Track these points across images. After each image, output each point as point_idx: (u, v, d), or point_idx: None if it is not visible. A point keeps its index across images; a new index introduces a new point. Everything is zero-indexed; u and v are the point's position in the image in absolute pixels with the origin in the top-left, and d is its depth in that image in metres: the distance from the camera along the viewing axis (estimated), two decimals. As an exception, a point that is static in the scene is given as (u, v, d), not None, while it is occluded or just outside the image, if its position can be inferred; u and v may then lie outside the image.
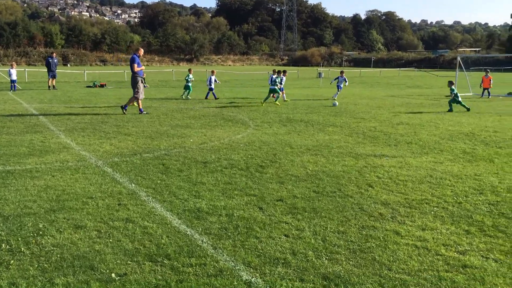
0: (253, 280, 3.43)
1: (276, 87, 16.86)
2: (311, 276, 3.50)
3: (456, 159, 7.72)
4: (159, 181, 6.05)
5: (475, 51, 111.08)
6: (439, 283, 3.41)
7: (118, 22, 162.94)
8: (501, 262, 3.77)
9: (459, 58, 27.15)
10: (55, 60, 24.77)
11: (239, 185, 5.92)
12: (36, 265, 3.62)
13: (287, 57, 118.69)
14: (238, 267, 3.62)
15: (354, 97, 21.23)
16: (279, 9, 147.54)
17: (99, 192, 5.54)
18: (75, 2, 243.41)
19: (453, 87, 15.54)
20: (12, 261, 3.68)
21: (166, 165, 6.97)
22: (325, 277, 3.49)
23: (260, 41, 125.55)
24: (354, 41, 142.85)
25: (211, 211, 4.92)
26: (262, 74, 48.01)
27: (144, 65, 14.10)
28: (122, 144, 8.66)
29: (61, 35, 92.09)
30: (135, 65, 13.28)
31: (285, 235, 4.30)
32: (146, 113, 13.46)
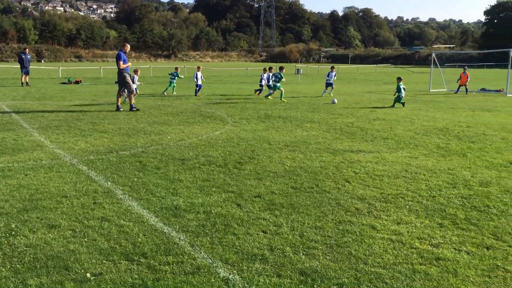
0: (230, 276, 3.43)
1: (278, 84, 17.15)
2: (289, 272, 3.52)
3: (431, 154, 7.88)
4: (135, 179, 5.98)
5: (450, 47, 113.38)
6: (413, 276, 3.48)
7: (93, 17, 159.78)
8: (473, 254, 3.86)
9: (433, 55, 27.67)
10: (28, 56, 24.20)
11: (217, 182, 5.90)
12: (8, 266, 3.54)
13: (265, 54, 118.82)
14: (215, 264, 3.62)
15: (332, 93, 21.38)
16: (257, 5, 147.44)
17: (74, 190, 5.44)
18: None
19: (400, 83, 15.79)
20: (-18, 263, 3.59)
21: (143, 162, 6.90)
22: (302, 272, 3.51)
23: (238, 37, 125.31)
24: (332, 37, 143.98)
25: (189, 209, 4.89)
26: (241, 71, 47.96)
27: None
28: (98, 142, 8.52)
29: (35, 31, 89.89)
30: (121, 62, 13.11)
31: (263, 231, 4.31)
32: (123, 110, 13.30)
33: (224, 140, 8.81)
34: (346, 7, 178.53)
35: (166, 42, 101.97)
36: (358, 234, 4.28)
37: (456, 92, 22.78)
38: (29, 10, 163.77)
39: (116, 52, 14.80)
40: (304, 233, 4.27)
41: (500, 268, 3.62)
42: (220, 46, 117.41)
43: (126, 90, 13.41)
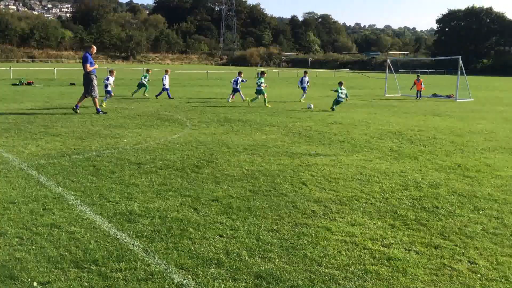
0: (185, 282, 3.39)
1: (262, 88, 16.97)
2: (244, 275, 3.52)
3: (384, 156, 8.11)
4: (88, 184, 5.80)
5: (404, 54, 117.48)
6: (365, 276, 3.56)
7: (48, 17, 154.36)
8: (422, 254, 4.00)
9: (389, 61, 28.60)
10: (-24, 56, 23.06)
11: (174, 186, 5.83)
12: None
13: (226, 57, 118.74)
14: (169, 270, 3.56)
15: (291, 96, 21.63)
16: (218, 9, 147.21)
17: (22, 196, 5.21)
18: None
19: (340, 88, 16.19)
20: None
21: (97, 166, 6.71)
22: (257, 276, 3.52)
23: (199, 40, 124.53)
24: (292, 42, 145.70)
25: (144, 214, 4.79)
26: (201, 74, 47.69)
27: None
28: (50, 145, 8.22)
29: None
30: (88, 65, 12.77)
31: (219, 235, 4.29)
32: (104, 113, 12.98)
33: (182, 144, 8.72)
34: (306, 13, 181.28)
35: (125, 43, 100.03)
36: (313, 236, 4.34)
37: (417, 98, 23.44)
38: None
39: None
40: (261, 236, 4.29)
41: (447, 266, 3.77)
42: (180, 49, 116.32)
43: (91, 93, 12.97)
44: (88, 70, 12.82)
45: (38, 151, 7.72)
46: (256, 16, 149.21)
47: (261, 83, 17.07)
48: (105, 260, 3.69)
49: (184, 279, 3.42)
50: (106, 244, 3.99)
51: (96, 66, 13.28)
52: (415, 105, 19.31)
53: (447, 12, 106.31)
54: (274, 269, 3.64)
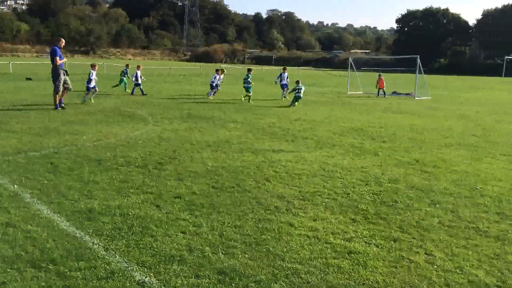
0: (146, 279, 3.34)
1: (249, 85, 17.28)
2: (207, 272, 3.50)
3: (346, 153, 8.27)
4: (46, 181, 5.61)
5: (366, 53, 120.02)
6: (327, 270, 3.62)
7: (2, 9, 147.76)
8: (382, 247, 4.11)
9: (351, 59, 29.14)
10: None
11: (136, 183, 5.72)
12: None
13: (190, 53, 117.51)
14: (131, 268, 3.50)
15: (256, 94, 21.67)
16: (181, 4, 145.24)
17: (-26, 195, 4.98)
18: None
19: (297, 85, 16.70)
20: None
21: (55, 164, 6.49)
22: (220, 272, 3.51)
23: (162, 35, 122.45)
24: (256, 39, 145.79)
25: (104, 211, 4.68)
26: (163, 69, 46.99)
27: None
28: (4, 142, 7.88)
29: None
30: (57, 58, 12.32)
31: (182, 232, 4.25)
32: (63, 108, 12.60)
33: (145, 140, 8.57)
34: (270, 10, 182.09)
35: (84, 37, 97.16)
36: (276, 231, 4.37)
37: (378, 96, 24.03)
38: None
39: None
40: (224, 233, 4.28)
41: (405, 258, 3.89)
42: (142, 44, 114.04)
43: (54, 87, 12.58)
44: (57, 64, 12.42)
45: (-9, 148, 7.39)
46: (219, 13, 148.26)
47: (249, 80, 17.41)
48: (64, 259, 3.58)
49: (146, 277, 3.37)
50: (65, 243, 3.87)
51: (64, 59, 12.86)
52: (376, 103, 19.78)
53: (406, 12, 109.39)
54: (238, 265, 3.64)
